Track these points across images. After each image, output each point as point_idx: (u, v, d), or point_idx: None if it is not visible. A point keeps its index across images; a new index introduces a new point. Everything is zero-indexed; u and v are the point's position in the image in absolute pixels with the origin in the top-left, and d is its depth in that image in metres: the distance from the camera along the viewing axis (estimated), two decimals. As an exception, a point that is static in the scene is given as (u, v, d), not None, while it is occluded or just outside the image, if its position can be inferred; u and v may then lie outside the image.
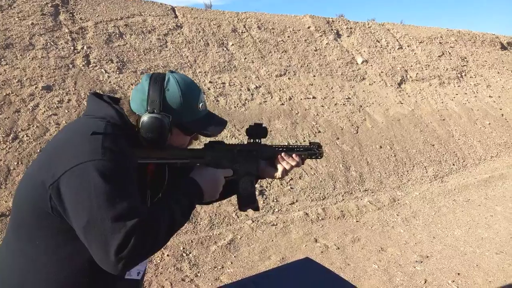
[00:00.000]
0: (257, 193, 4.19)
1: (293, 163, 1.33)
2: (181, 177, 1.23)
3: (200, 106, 1.16)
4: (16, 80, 4.18)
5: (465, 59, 9.82)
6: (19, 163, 3.42)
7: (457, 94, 8.40)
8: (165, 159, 1.14)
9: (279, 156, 1.33)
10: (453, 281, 3.15)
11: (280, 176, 1.35)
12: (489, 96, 8.83)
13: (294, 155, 1.34)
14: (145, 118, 1.07)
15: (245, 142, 1.32)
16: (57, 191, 0.94)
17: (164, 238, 1.00)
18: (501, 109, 8.52)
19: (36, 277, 1.03)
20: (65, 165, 0.94)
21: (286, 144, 1.41)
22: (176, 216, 1.04)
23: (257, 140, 1.30)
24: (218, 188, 1.19)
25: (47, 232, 1.01)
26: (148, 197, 1.19)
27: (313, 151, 1.41)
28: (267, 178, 1.40)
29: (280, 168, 1.33)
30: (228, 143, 1.24)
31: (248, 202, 1.29)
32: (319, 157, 1.42)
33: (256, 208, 1.30)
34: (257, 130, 1.28)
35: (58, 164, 0.96)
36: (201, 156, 1.19)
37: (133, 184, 0.99)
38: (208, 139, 1.29)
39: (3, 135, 3.58)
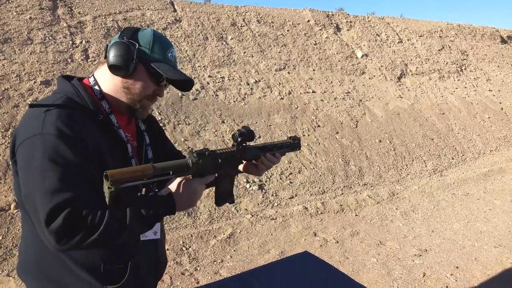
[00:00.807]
0: (256, 187, 4.20)
1: (276, 162, 1.37)
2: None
3: (169, 55, 1.15)
4: (15, 74, 4.17)
5: (465, 53, 9.79)
6: (19, 158, 3.42)
7: (457, 88, 8.38)
8: (151, 177, 1.01)
9: (263, 156, 1.34)
10: (452, 274, 3.17)
11: (260, 174, 1.38)
12: (489, 90, 8.81)
13: (277, 154, 1.37)
14: (111, 45, 1.10)
15: (231, 146, 1.28)
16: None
17: (108, 235, 0.95)
18: (500, 103, 8.51)
19: (52, 258, 1.08)
20: (17, 144, 1.00)
21: (267, 142, 1.39)
22: (131, 220, 0.98)
23: (243, 144, 1.27)
24: (195, 199, 1.13)
25: None
26: (133, 150, 1.18)
27: (292, 145, 1.44)
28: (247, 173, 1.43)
29: (262, 167, 1.35)
30: (211, 149, 1.18)
31: (225, 198, 1.30)
32: (298, 148, 1.46)
33: (232, 201, 1.32)
34: (245, 136, 1.24)
35: (15, 145, 1.02)
36: (187, 168, 1.10)
37: (76, 159, 0.96)
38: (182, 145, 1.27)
39: (2, 130, 3.58)
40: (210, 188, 1.27)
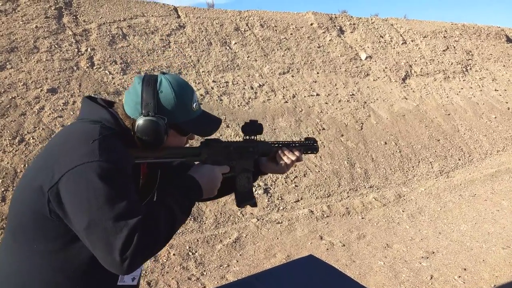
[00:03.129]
0: (261, 191, 4.21)
1: (294, 158, 1.35)
2: (178, 176, 1.24)
3: (194, 106, 1.16)
4: (22, 83, 4.22)
5: (470, 53, 9.74)
6: (26, 165, 3.46)
7: (462, 89, 8.34)
8: (161, 158, 1.15)
9: (279, 151, 1.35)
10: (460, 276, 3.15)
11: (282, 171, 1.37)
12: (495, 90, 8.75)
13: (294, 150, 1.37)
14: (140, 121, 1.07)
15: (241, 139, 1.33)
16: (56, 195, 0.95)
17: (165, 236, 1.01)
18: (507, 102, 8.44)
19: (34, 279, 1.04)
20: (62, 168, 0.95)
21: (282, 140, 1.42)
22: (176, 214, 1.05)
23: (252, 137, 1.31)
24: (216, 184, 1.19)
25: (45, 236, 1.02)
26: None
27: (309, 146, 1.43)
28: (269, 173, 1.43)
29: (282, 163, 1.35)
30: (224, 140, 1.25)
31: (245, 198, 1.30)
32: (315, 151, 1.44)
33: (254, 204, 1.32)
34: (252, 127, 1.29)
35: (55, 168, 0.96)
36: (197, 154, 1.21)
37: (131, 184, 1.00)
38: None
39: (9, 138, 3.63)
40: (227, 194, 1.33)
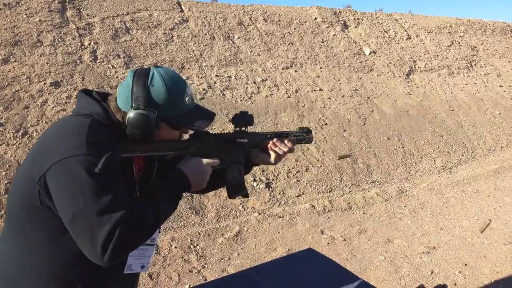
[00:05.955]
0: (263, 186, 4.22)
1: (286, 149, 1.33)
2: (167, 169, 1.23)
3: (186, 100, 1.15)
4: (25, 76, 4.24)
5: (475, 49, 9.67)
6: (29, 158, 3.48)
7: (466, 84, 8.29)
8: (150, 152, 1.14)
9: (271, 142, 1.33)
10: (460, 271, 3.15)
11: (273, 162, 1.35)
12: (500, 86, 8.70)
13: (286, 141, 1.34)
14: (130, 114, 1.07)
15: (231, 131, 1.31)
16: (44, 186, 0.97)
17: (149, 229, 1.02)
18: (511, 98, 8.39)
19: (31, 269, 1.06)
20: (50, 160, 0.96)
21: (273, 131, 1.40)
22: (162, 208, 1.05)
23: (243, 129, 1.30)
24: (204, 177, 1.19)
25: (38, 226, 1.04)
26: (137, 193, 1.19)
27: (302, 136, 1.40)
28: (261, 164, 1.41)
29: (273, 154, 1.34)
30: (214, 133, 1.24)
31: (236, 190, 1.30)
32: (309, 142, 1.42)
33: (245, 195, 1.32)
34: (243, 119, 1.28)
35: (44, 160, 0.98)
36: (185, 147, 1.19)
37: (118, 178, 1.00)
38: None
39: (13, 131, 3.65)
40: (221, 187, 1.32)
